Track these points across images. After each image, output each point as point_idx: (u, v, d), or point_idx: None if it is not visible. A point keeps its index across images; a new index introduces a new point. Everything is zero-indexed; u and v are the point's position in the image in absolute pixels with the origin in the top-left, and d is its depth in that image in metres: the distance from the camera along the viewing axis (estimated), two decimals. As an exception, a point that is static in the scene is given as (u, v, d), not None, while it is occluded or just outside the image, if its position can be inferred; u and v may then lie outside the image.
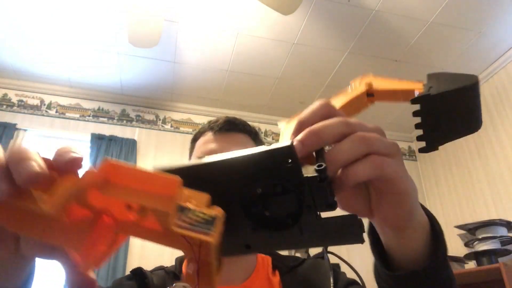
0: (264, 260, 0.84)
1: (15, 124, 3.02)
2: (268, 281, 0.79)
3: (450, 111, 0.43)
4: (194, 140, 0.88)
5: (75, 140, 3.17)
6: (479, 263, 2.49)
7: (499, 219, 2.51)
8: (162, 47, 2.71)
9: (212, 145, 0.82)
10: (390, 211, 0.38)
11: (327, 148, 0.36)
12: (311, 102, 0.37)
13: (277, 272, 0.81)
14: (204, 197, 0.30)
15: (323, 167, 0.31)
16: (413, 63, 2.94)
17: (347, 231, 0.34)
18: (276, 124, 3.60)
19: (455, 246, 3.08)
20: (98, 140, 3.09)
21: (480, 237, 2.50)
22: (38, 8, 2.50)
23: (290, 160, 0.32)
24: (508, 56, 2.87)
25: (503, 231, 2.49)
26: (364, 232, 0.34)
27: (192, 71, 3.06)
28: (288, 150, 0.32)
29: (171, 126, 3.42)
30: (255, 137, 0.88)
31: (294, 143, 0.34)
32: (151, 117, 3.42)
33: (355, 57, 2.87)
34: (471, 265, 2.69)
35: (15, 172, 0.27)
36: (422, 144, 0.44)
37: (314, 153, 0.35)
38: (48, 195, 0.27)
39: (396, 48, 2.80)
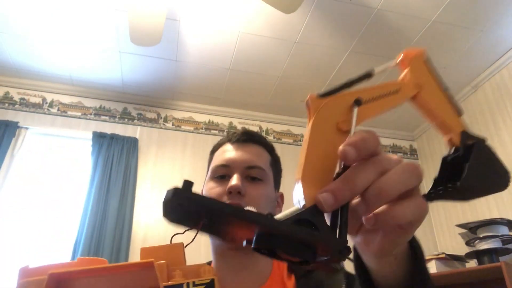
0: (279, 264, 0.85)
1: (17, 122, 3.02)
2: (283, 285, 0.80)
3: (486, 163, 0.42)
4: (213, 152, 0.93)
5: (76, 139, 3.17)
6: (480, 262, 2.49)
7: (500, 218, 2.51)
8: (163, 45, 2.71)
9: (231, 154, 0.87)
10: (381, 243, 0.36)
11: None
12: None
13: (292, 276, 0.81)
14: (179, 249, 0.29)
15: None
16: (414, 61, 2.93)
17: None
18: (277, 123, 3.60)
19: (456, 245, 3.08)
20: (99, 138, 3.09)
21: (481, 236, 2.50)
22: (40, 6, 2.51)
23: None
24: (510, 54, 2.86)
25: (504, 230, 2.49)
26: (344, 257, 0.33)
27: (193, 69, 3.06)
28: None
29: (173, 125, 3.43)
30: (271, 150, 0.93)
31: (323, 202, 0.32)
32: (152, 115, 3.42)
33: (357, 56, 2.87)
34: (472, 264, 2.69)
35: None
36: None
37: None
38: None
39: (398, 47, 2.80)
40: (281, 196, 0.94)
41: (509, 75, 2.90)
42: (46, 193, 2.95)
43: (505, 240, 2.45)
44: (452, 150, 0.42)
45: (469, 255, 2.57)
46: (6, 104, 3.12)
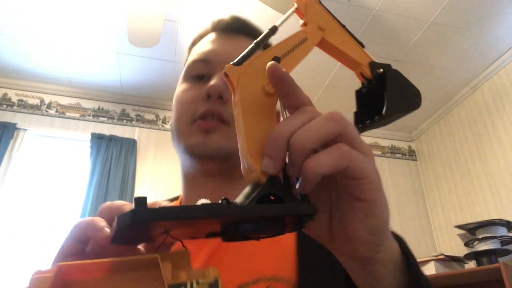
0: None
1: (15, 124, 3.02)
2: None
3: (400, 88, 0.43)
4: (192, 45, 0.75)
5: (75, 140, 3.17)
6: (479, 263, 2.49)
7: (499, 219, 2.51)
8: (162, 46, 2.71)
9: (214, 45, 0.68)
10: (354, 229, 0.32)
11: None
12: (311, 102, 0.36)
13: None
14: (185, 256, 0.29)
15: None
16: (413, 62, 2.94)
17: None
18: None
19: (455, 246, 3.08)
20: (98, 139, 3.09)
21: (480, 237, 2.50)
22: (38, 7, 2.50)
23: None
24: (508, 56, 2.87)
25: (503, 231, 2.49)
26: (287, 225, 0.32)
27: (192, 70, 3.06)
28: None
29: (171, 126, 3.42)
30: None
31: (264, 165, 0.31)
32: (151, 116, 3.42)
33: (355, 57, 2.87)
34: (471, 265, 2.69)
35: None
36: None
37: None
38: None
39: (396, 48, 2.80)
40: (277, 114, 0.78)
41: (507, 76, 2.91)
42: (45, 194, 2.94)
43: (504, 241, 2.45)
44: (366, 83, 0.44)
45: (468, 256, 2.57)
46: (4, 106, 3.11)
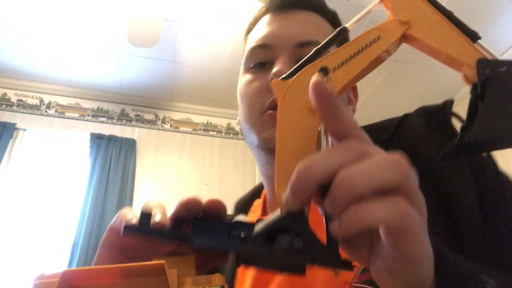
0: None
1: (14, 124, 3.01)
2: None
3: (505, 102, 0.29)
4: (248, 32, 0.68)
5: (74, 140, 3.17)
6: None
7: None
8: (161, 46, 2.71)
9: (271, 27, 0.60)
10: (389, 281, 0.28)
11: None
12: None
13: None
14: (190, 261, 0.29)
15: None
16: (412, 62, 2.94)
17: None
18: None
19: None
20: (97, 139, 3.09)
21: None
22: (37, 7, 2.50)
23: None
24: (507, 56, 2.87)
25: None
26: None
27: (191, 70, 3.06)
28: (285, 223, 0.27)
29: (171, 126, 3.42)
30: (333, 18, 0.65)
31: (284, 202, 0.27)
32: (150, 116, 3.42)
33: (355, 57, 2.87)
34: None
35: None
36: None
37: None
38: None
39: (396, 48, 2.80)
40: (354, 88, 0.66)
41: (506, 76, 2.91)
42: (44, 194, 2.94)
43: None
44: (472, 88, 0.31)
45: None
46: (4, 106, 3.11)
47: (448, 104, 0.49)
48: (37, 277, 0.28)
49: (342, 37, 0.34)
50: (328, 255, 0.27)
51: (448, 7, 0.33)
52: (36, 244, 2.77)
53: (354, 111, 0.64)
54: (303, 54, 0.53)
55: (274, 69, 0.54)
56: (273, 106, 0.55)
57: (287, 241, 0.27)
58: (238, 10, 2.51)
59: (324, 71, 0.30)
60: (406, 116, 0.54)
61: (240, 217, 0.30)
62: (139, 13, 2.13)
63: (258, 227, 0.28)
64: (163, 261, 0.27)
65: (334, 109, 0.28)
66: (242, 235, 0.28)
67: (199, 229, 0.30)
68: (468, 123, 0.30)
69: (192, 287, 0.27)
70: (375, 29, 0.33)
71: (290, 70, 0.31)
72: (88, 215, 2.75)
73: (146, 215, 0.30)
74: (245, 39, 0.68)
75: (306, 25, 0.60)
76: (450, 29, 0.32)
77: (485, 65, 0.30)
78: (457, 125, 0.45)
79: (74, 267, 2.56)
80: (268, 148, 0.55)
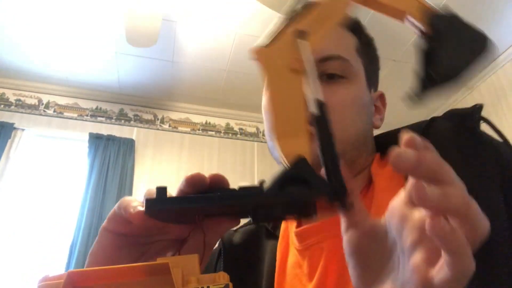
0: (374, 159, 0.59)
1: (12, 124, 3.01)
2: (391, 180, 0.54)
3: (461, 36, 0.36)
4: None
5: (73, 140, 3.16)
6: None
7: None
8: (160, 46, 2.71)
9: None
10: None
11: None
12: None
13: None
14: (194, 260, 0.29)
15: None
16: (411, 63, 2.94)
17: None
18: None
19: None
20: (96, 139, 3.08)
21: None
22: (36, 7, 2.50)
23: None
24: (506, 56, 2.87)
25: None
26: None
27: (190, 70, 3.06)
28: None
29: (170, 126, 3.42)
30: (357, 30, 0.65)
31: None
32: (149, 116, 3.41)
33: (354, 57, 2.87)
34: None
35: None
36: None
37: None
38: None
39: (394, 48, 2.81)
40: (381, 96, 0.65)
41: (504, 76, 2.91)
42: (43, 194, 2.94)
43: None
44: (419, 33, 0.37)
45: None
46: (2, 106, 3.10)
47: (477, 108, 0.48)
48: (41, 278, 0.28)
49: (304, 6, 0.36)
50: (329, 186, 0.29)
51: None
52: (34, 244, 2.76)
53: (382, 120, 0.64)
54: (325, 69, 0.55)
55: None
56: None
57: (297, 187, 0.29)
58: (237, 9, 2.51)
59: (301, 35, 0.33)
60: (433, 119, 0.53)
61: (243, 183, 0.32)
62: (138, 13, 2.13)
63: (267, 183, 0.30)
64: (167, 261, 0.27)
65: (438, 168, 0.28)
66: (255, 192, 0.30)
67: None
68: (427, 63, 0.36)
69: (196, 286, 0.27)
70: None
71: (270, 37, 0.34)
72: (86, 215, 2.75)
73: (162, 189, 0.30)
74: None
75: (328, 39, 0.59)
76: None
77: (437, 19, 0.36)
78: (486, 129, 0.46)
79: (72, 267, 2.56)
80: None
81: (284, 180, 0.29)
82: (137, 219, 0.33)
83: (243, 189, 0.30)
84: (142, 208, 0.33)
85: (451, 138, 0.48)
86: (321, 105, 0.31)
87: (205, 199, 0.31)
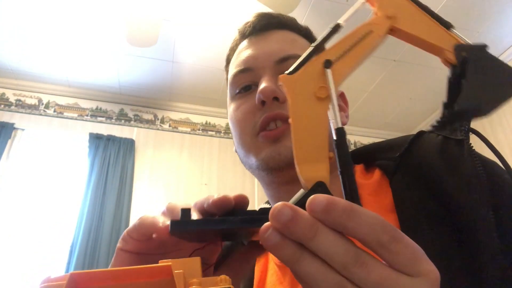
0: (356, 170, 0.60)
1: (13, 124, 3.01)
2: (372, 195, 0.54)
3: (491, 73, 0.36)
4: (228, 63, 0.68)
5: (73, 140, 3.16)
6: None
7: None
8: (160, 46, 2.71)
9: (250, 50, 0.61)
10: None
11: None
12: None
13: (376, 173, 0.55)
14: (196, 263, 0.29)
15: None
16: (411, 62, 2.94)
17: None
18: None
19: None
20: (96, 139, 3.08)
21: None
22: (36, 7, 2.50)
23: None
24: (506, 56, 2.87)
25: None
26: None
27: (190, 70, 3.06)
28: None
29: (170, 126, 3.42)
30: (306, 34, 0.66)
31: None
32: (149, 116, 3.41)
33: (354, 57, 2.87)
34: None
35: None
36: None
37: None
38: None
39: (395, 48, 2.81)
40: (342, 95, 0.67)
41: (505, 76, 2.91)
42: (43, 194, 2.94)
43: None
44: (451, 70, 0.37)
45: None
46: (2, 106, 3.11)
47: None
48: (44, 280, 0.28)
49: (336, 32, 0.38)
50: None
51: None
52: (34, 244, 2.76)
53: (347, 117, 0.65)
54: (284, 69, 0.53)
55: (260, 87, 0.55)
56: (265, 125, 0.55)
57: None
58: (237, 9, 2.51)
59: (327, 64, 0.34)
60: (420, 133, 0.53)
61: (264, 205, 0.33)
62: (138, 13, 2.13)
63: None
64: (169, 263, 0.27)
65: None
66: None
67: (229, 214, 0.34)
68: (451, 97, 0.36)
69: None
70: (367, 24, 0.38)
71: (294, 65, 0.35)
72: (86, 215, 2.75)
73: (186, 210, 0.32)
74: (226, 70, 0.68)
75: (282, 42, 0.61)
76: (429, 20, 0.39)
77: (461, 49, 0.37)
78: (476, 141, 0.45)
79: (72, 267, 2.56)
80: (268, 168, 0.55)
81: (303, 204, 0.30)
82: (164, 234, 0.35)
83: (263, 211, 0.31)
84: (168, 223, 0.34)
85: (438, 152, 0.48)
86: (341, 132, 0.32)
87: (227, 222, 0.32)
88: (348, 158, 0.32)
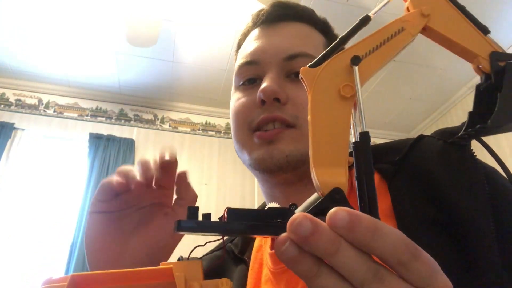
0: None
1: (13, 124, 3.01)
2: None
3: None
4: (238, 48, 0.66)
5: (73, 140, 3.16)
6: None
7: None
8: (160, 46, 2.71)
9: (259, 42, 0.59)
10: None
11: None
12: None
13: (375, 176, 0.55)
14: (198, 266, 0.29)
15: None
16: (411, 63, 2.94)
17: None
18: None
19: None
20: (96, 139, 3.08)
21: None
22: (36, 7, 2.50)
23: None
24: (506, 56, 2.87)
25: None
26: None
27: (190, 70, 3.06)
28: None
29: (170, 126, 3.42)
30: (324, 28, 0.64)
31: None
32: (149, 116, 3.41)
33: (354, 57, 2.87)
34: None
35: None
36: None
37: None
38: None
39: (395, 48, 2.81)
40: None
41: (505, 76, 2.91)
42: (43, 194, 2.94)
43: None
44: (483, 78, 0.34)
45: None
46: (2, 106, 3.11)
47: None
48: (45, 281, 0.28)
49: (365, 24, 0.35)
50: None
51: None
52: (34, 244, 2.76)
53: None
54: (293, 67, 0.55)
55: (262, 85, 0.53)
56: (262, 126, 0.54)
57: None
58: (237, 9, 2.51)
59: (356, 61, 0.31)
60: (421, 137, 0.51)
61: (272, 204, 0.31)
62: (138, 13, 2.13)
63: (299, 209, 0.30)
64: (171, 266, 0.27)
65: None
66: (279, 221, 0.28)
67: (234, 217, 0.30)
68: (479, 108, 0.33)
69: None
70: (399, 20, 0.35)
71: (318, 58, 0.32)
72: (86, 215, 2.75)
73: (194, 209, 0.29)
74: (236, 54, 0.66)
75: (295, 37, 0.58)
76: (465, 22, 0.36)
77: (498, 58, 0.34)
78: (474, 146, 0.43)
79: (72, 267, 2.56)
80: (260, 168, 0.54)
81: (317, 211, 0.28)
82: (141, 186, 0.46)
83: (272, 212, 0.29)
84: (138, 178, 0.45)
85: (438, 156, 0.46)
86: (365, 137, 0.29)
87: (230, 230, 0.30)
88: (370, 166, 0.29)
